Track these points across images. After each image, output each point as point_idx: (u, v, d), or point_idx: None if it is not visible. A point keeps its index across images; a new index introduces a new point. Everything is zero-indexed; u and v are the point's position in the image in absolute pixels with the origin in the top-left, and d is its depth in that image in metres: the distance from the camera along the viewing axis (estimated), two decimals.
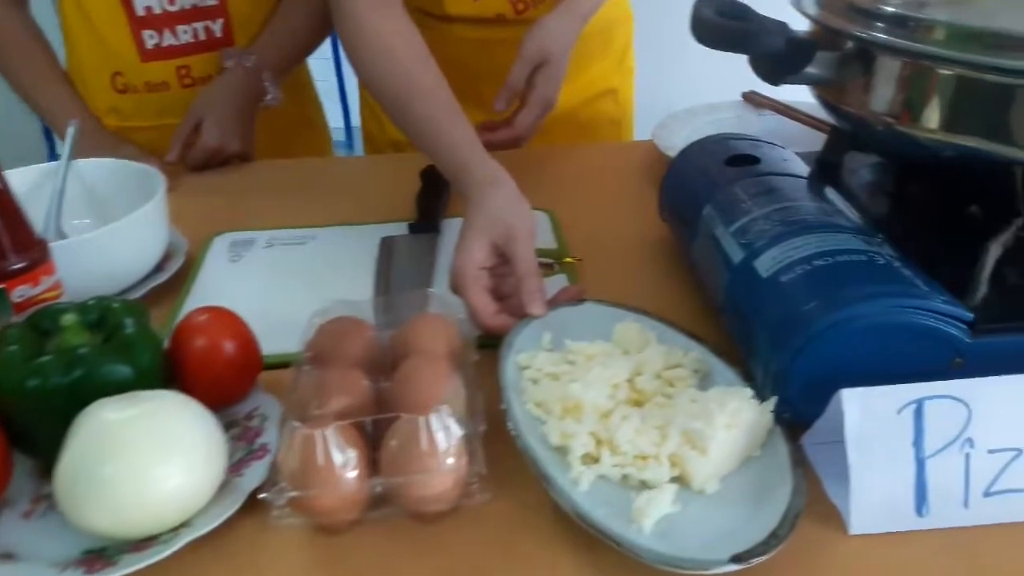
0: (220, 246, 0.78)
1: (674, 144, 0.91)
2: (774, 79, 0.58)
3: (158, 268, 0.72)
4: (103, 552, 0.45)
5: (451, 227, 0.79)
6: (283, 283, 0.72)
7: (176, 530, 0.45)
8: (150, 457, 0.44)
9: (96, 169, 0.77)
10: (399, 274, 0.72)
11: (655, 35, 1.09)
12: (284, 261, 0.75)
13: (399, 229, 0.80)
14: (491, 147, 0.87)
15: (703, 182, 0.68)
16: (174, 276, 0.72)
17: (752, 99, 1.03)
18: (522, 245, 0.61)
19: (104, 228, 0.65)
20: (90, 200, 0.76)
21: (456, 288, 0.60)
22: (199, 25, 0.97)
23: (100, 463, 0.43)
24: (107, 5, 0.95)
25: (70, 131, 0.79)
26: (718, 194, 0.65)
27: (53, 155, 2.53)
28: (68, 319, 0.49)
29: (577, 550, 0.45)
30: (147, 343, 0.51)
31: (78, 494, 0.43)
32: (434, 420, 0.45)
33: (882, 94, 0.56)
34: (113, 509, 0.43)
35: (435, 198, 0.83)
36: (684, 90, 1.15)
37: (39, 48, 0.98)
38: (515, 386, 0.53)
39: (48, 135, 2.60)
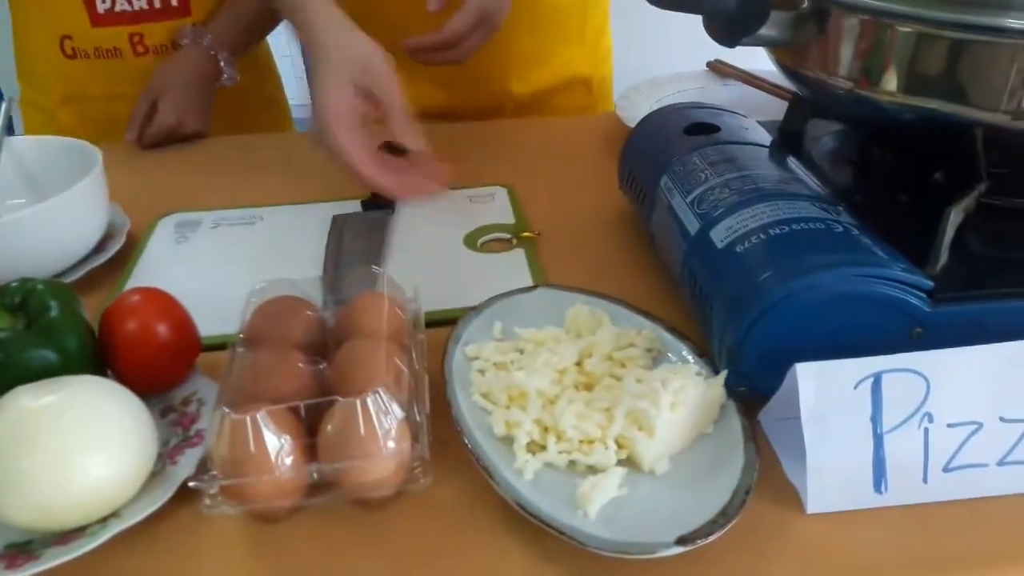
0: (165, 227, 0.75)
1: (637, 116, 0.88)
2: (728, 40, 0.56)
3: (97, 249, 0.69)
4: (27, 546, 0.42)
5: (407, 204, 0.77)
6: (229, 264, 0.69)
7: (104, 521, 0.43)
8: (71, 446, 0.41)
9: (32, 146, 0.74)
10: (349, 252, 0.70)
11: (625, 4, 1.05)
12: (231, 242, 0.73)
13: (352, 207, 0.77)
14: (424, 62, 0.83)
15: (662, 152, 0.66)
16: (115, 258, 0.69)
17: (717, 68, 1.01)
18: (388, 81, 0.57)
19: (38, 206, 0.62)
20: (26, 179, 0.73)
21: (324, 134, 0.55)
22: None
23: (17, 455, 0.40)
24: None
25: (3, 107, 0.75)
26: (676, 164, 0.63)
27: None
28: None
29: (525, 537, 0.43)
30: (73, 326, 0.48)
31: None
32: (371, 403, 0.43)
33: (840, 55, 0.54)
34: (34, 503, 0.40)
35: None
36: (654, 61, 1.12)
37: None
38: (462, 377, 0.51)
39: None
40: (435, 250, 0.70)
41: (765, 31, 0.55)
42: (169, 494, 0.44)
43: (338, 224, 0.74)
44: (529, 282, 0.64)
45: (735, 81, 0.99)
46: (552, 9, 0.95)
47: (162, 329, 0.51)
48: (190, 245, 0.72)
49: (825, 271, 0.47)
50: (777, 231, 0.51)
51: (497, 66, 0.96)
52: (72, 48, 0.96)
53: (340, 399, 0.44)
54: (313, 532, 0.44)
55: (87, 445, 0.42)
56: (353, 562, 0.43)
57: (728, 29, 0.56)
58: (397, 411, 0.44)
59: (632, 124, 0.86)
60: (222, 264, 0.69)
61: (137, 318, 0.51)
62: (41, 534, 0.43)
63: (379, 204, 0.76)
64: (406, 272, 0.58)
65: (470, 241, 0.71)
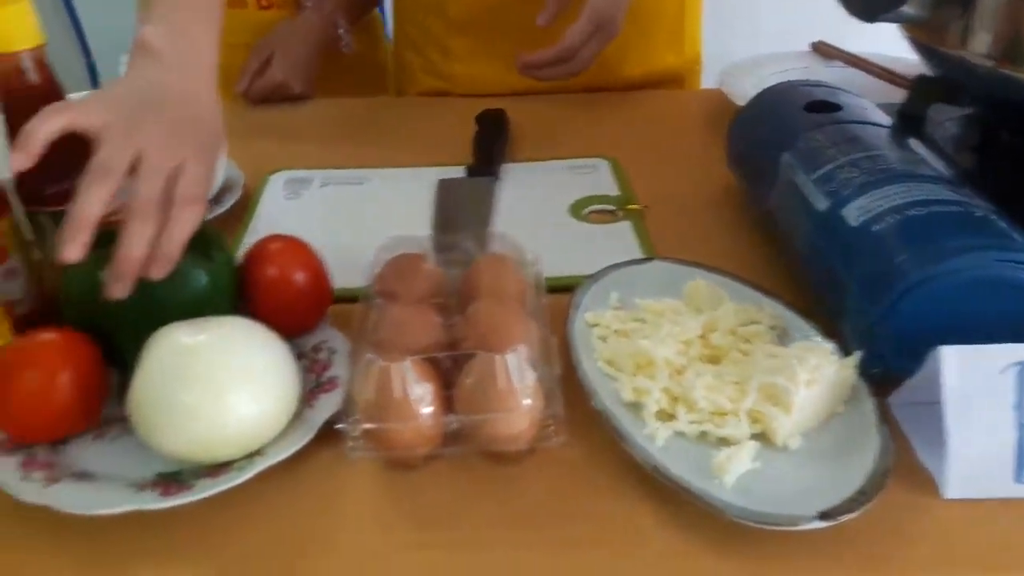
0: (276, 183, 0.77)
1: (739, 92, 0.88)
2: (867, 16, 0.55)
3: (215, 200, 0.70)
4: (177, 475, 0.44)
5: (510, 172, 0.77)
6: (340, 221, 0.70)
7: (250, 457, 0.44)
8: (227, 383, 0.43)
9: None
10: (456, 216, 0.70)
11: None
12: (341, 200, 0.74)
13: (455, 173, 0.78)
14: (540, 78, 0.83)
15: (780, 129, 0.65)
16: (230, 210, 0.70)
17: (822, 49, 0.99)
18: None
19: None
20: None
21: None
22: None
23: (176, 388, 0.42)
24: None
25: (124, 60, 0.77)
26: (798, 141, 0.62)
27: (96, 86, 2.52)
28: None
29: (656, 502, 0.44)
30: (222, 254, 0.50)
31: (154, 419, 0.42)
32: (512, 359, 0.43)
33: (982, 33, 0.52)
34: (191, 435, 0.42)
35: (493, 142, 0.81)
36: (746, 43, 1.10)
37: None
38: (584, 343, 0.52)
39: (92, 69, 2.58)
40: (541, 217, 0.70)
41: (907, 8, 0.54)
42: (311, 435, 0.46)
43: (444, 188, 0.75)
44: (638, 254, 0.64)
45: (839, 63, 0.97)
46: (651, 6, 0.94)
47: (300, 276, 0.52)
48: (301, 202, 0.74)
49: (967, 254, 0.46)
50: (915, 212, 0.50)
51: (599, 62, 0.95)
52: None
53: (481, 353, 0.45)
54: (446, 481, 0.45)
55: (242, 383, 0.43)
56: (486, 513, 0.44)
57: (867, 5, 0.55)
58: (533, 369, 0.45)
59: (735, 100, 0.85)
60: (333, 221, 0.71)
61: (277, 264, 0.52)
62: (191, 465, 0.45)
63: (483, 171, 0.77)
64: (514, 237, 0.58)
65: (575, 210, 0.71)
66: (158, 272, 0.45)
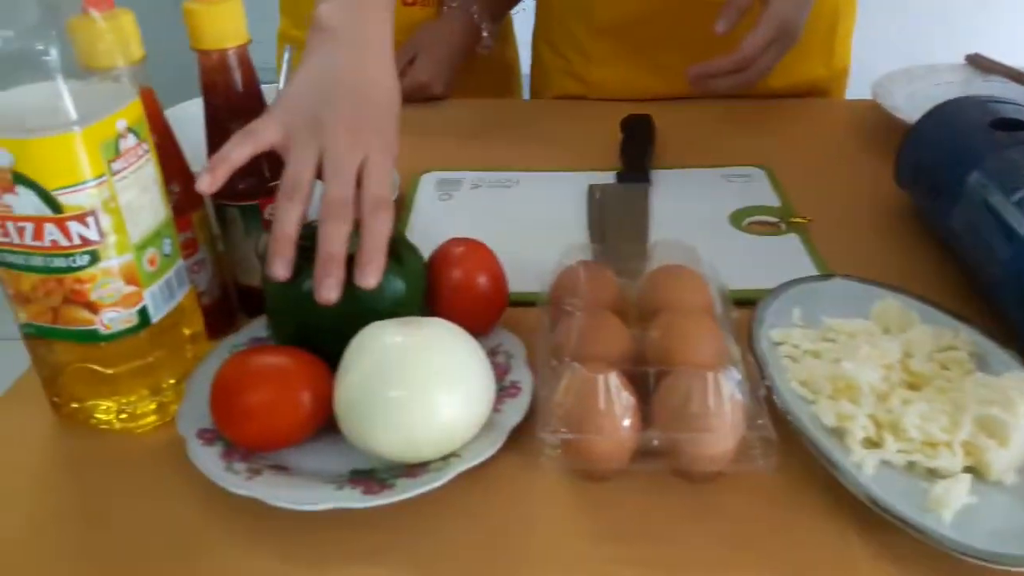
0: (428, 184, 0.77)
1: (893, 105, 0.84)
2: None
3: None
4: (372, 473, 0.44)
5: (661, 178, 0.76)
6: (495, 224, 0.70)
7: (445, 459, 0.44)
8: (436, 383, 0.43)
9: None
10: (613, 223, 0.69)
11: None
12: (493, 203, 0.74)
13: (604, 178, 0.77)
14: (713, 90, 0.80)
15: (964, 146, 0.62)
16: None
17: (977, 62, 0.95)
18: None
19: None
20: None
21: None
22: None
23: (387, 385, 0.42)
24: None
25: (286, 56, 0.79)
26: (988, 160, 0.59)
27: None
28: None
29: (866, 532, 0.42)
30: (415, 258, 0.50)
31: (364, 415, 0.43)
32: (723, 378, 0.42)
33: None
34: (400, 433, 0.42)
35: (642, 147, 0.80)
36: (894, 53, 1.05)
37: None
38: (774, 362, 0.50)
39: None
40: (701, 226, 0.69)
41: None
42: (502, 440, 0.45)
43: (595, 194, 0.74)
44: (811, 269, 0.62)
45: (997, 77, 0.92)
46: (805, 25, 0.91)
47: (482, 280, 0.52)
48: (454, 203, 0.74)
49: None
50: None
51: None
52: None
53: (687, 369, 0.43)
54: (639, 497, 0.44)
55: (449, 383, 0.43)
56: (682, 533, 0.43)
57: None
58: (741, 389, 0.43)
59: (895, 112, 0.82)
60: (487, 224, 0.70)
61: (462, 267, 0.52)
62: (384, 464, 0.45)
63: (635, 176, 0.76)
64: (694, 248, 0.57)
65: (735, 220, 0.69)
66: (371, 280, 0.45)
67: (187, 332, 0.51)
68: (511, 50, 1.14)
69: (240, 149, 0.49)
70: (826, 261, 0.63)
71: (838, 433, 0.45)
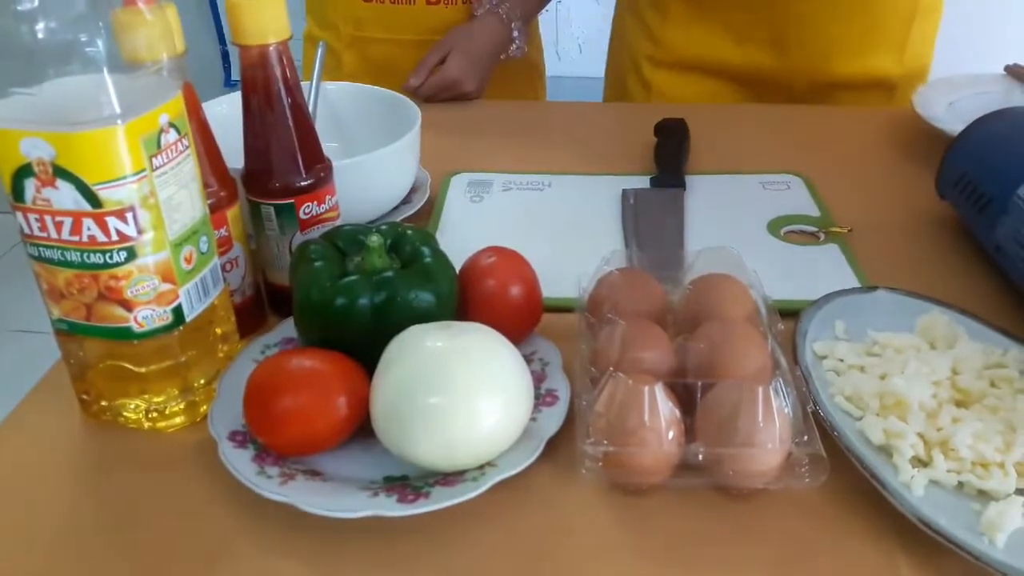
0: (458, 185, 0.76)
1: (933, 115, 0.83)
2: None
3: (404, 200, 0.70)
4: (403, 480, 0.44)
5: (696, 184, 0.75)
6: (525, 228, 0.69)
7: (481, 468, 0.43)
8: (478, 389, 0.42)
9: (341, 92, 0.76)
10: (648, 229, 0.68)
11: None
12: (525, 206, 0.73)
13: (638, 183, 0.75)
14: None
15: (1014, 158, 0.61)
16: (420, 211, 0.70)
17: (1017, 73, 0.93)
18: None
19: (372, 154, 0.63)
20: (335, 124, 0.76)
21: None
22: None
23: (428, 391, 0.41)
24: None
25: (319, 51, 0.78)
26: None
27: (229, 81, 2.61)
28: (374, 241, 0.48)
29: (915, 554, 0.40)
30: (446, 272, 0.49)
31: (403, 422, 0.42)
32: (772, 392, 0.41)
33: None
34: (441, 440, 0.41)
35: (675, 152, 0.79)
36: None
37: None
38: (818, 376, 0.49)
39: (225, 58, 2.66)
40: (737, 234, 0.67)
41: None
42: (539, 450, 0.44)
43: (629, 199, 0.73)
44: (852, 281, 0.61)
45: None
46: (883, 6, 0.90)
47: (516, 290, 0.51)
48: (485, 205, 0.73)
49: None
50: None
51: (818, 48, 0.92)
52: None
53: (733, 382, 0.42)
54: (678, 512, 0.43)
55: (490, 390, 0.42)
56: (723, 552, 0.41)
57: None
58: (790, 403, 0.42)
59: (931, 122, 0.80)
60: (518, 227, 0.70)
61: (495, 277, 0.51)
62: (418, 471, 0.44)
63: (668, 182, 0.75)
64: (738, 255, 0.56)
65: (774, 228, 0.68)
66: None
67: (219, 331, 0.50)
68: (535, 51, 1.14)
69: None
70: (867, 272, 0.62)
71: (885, 451, 0.44)
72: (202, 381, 0.49)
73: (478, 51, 0.95)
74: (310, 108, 0.73)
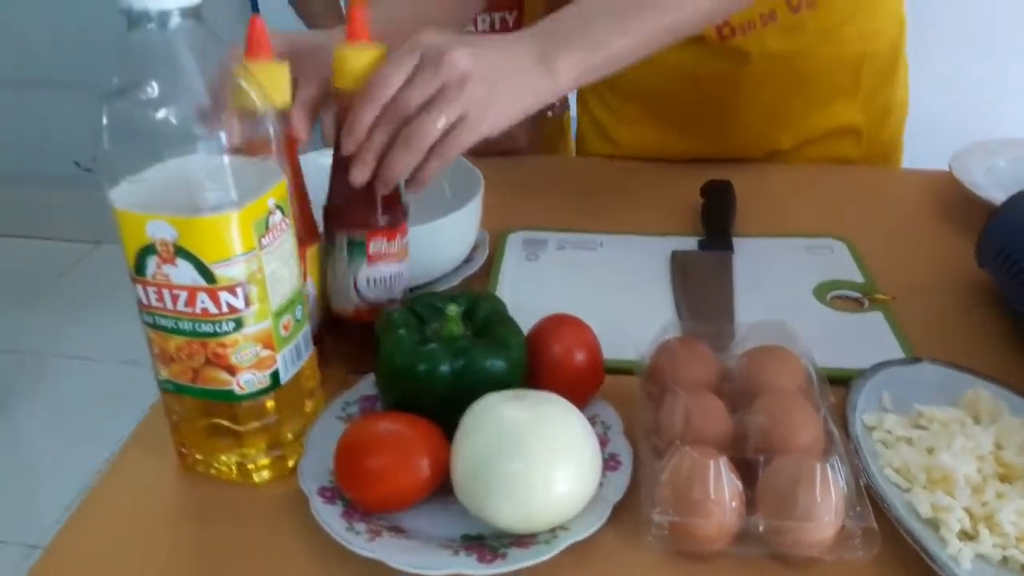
0: (515, 243, 0.80)
1: (971, 180, 0.85)
2: None
3: (467, 259, 0.74)
4: (482, 539, 0.47)
5: (742, 247, 0.78)
6: (579, 288, 0.73)
7: (553, 531, 0.46)
8: (554, 456, 0.45)
9: None
10: (698, 293, 0.71)
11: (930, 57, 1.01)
12: (577, 266, 0.76)
13: (686, 244, 0.79)
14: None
15: None
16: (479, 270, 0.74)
17: None
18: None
19: (443, 219, 0.67)
20: None
21: None
22: (496, 16, 1.00)
23: (508, 458, 0.45)
24: None
25: None
26: None
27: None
28: (452, 309, 0.52)
29: None
30: (516, 340, 0.53)
31: (484, 486, 0.45)
32: (830, 467, 0.44)
33: None
34: (519, 504, 0.45)
35: (723, 214, 0.82)
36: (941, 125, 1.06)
37: None
38: (868, 448, 0.51)
39: None
40: (784, 299, 0.70)
41: None
42: (606, 516, 0.47)
43: (678, 262, 0.76)
44: (896, 351, 0.63)
45: None
46: (821, 67, 0.93)
47: (580, 356, 0.55)
48: (541, 264, 0.77)
49: None
50: None
51: (768, 124, 0.95)
52: None
53: (793, 458, 0.45)
54: None
55: (565, 458, 0.45)
56: None
57: None
58: (844, 477, 0.45)
59: (969, 188, 0.83)
60: (573, 288, 0.73)
61: (561, 343, 0.55)
62: (493, 531, 0.47)
63: (717, 244, 0.78)
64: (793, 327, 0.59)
65: (820, 294, 0.71)
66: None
67: (306, 387, 0.54)
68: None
69: None
70: (910, 341, 0.64)
71: (932, 523, 0.47)
72: (290, 436, 0.53)
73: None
74: None
